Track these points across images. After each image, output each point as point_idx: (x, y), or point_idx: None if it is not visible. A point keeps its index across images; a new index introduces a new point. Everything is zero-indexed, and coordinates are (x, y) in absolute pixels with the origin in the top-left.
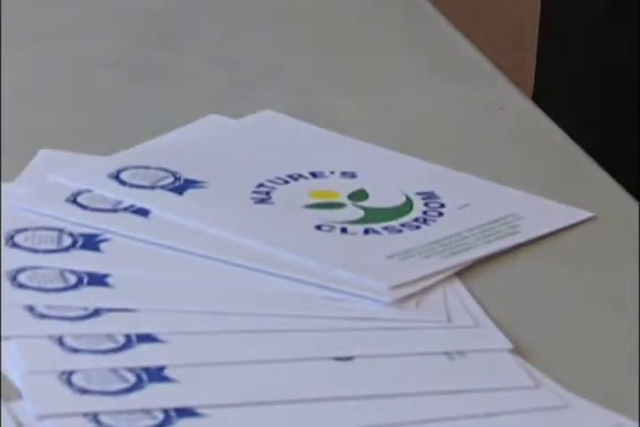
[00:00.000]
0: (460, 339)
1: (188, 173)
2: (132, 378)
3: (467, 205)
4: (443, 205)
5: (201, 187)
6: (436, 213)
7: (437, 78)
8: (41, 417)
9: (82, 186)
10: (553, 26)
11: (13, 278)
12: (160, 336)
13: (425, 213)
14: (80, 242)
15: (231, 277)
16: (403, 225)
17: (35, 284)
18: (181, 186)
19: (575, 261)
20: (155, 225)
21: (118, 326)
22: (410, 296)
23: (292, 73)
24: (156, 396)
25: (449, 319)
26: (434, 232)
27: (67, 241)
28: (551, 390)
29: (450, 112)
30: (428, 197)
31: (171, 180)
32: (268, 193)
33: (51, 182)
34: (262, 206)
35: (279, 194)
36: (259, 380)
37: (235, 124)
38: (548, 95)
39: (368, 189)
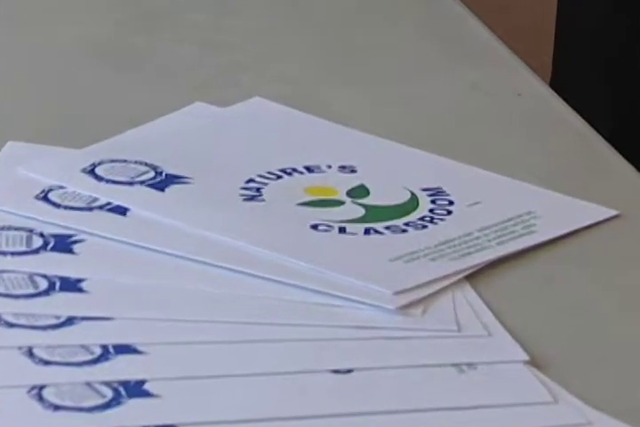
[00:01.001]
0: (470, 350)
1: (170, 168)
2: (109, 393)
3: (478, 202)
4: (451, 203)
5: (185, 182)
6: (444, 212)
7: (447, 64)
8: None
9: (53, 181)
10: (571, 11)
11: None
12: (140, 347)
13: (432, 211)
14: (52, 243)
15: (218, 282)
16: (407, 224)
17: (1, 289)
18: (163, 182)
19: (597, 264)
20: (134, 225)
21: (94, 335)
22: (415, 303)
23: (285, 58)
24: (136, 413)
25: (459, 328)
26: (442, 232)
27: (37, 242)
28: (571, 406)
29: (461, 101)
30: (436, 193)
31: (151, 175)
32: (258, 189)
33: (19, 178)
34: (252, 204)
35: (271, 190)
36: (248, 395)
37: (222, 112)
38: (567, 81)
39: (369, 185)
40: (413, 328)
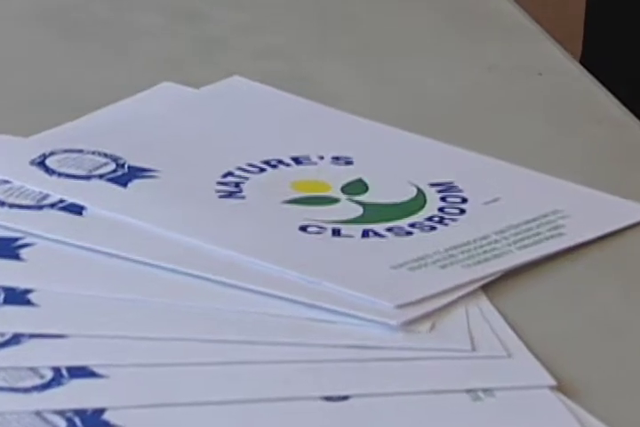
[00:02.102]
0: (487, 373)
1: (133, 159)
2: (62, 424)
3: (496, 199)
4: (465, 200)
5: (151, 176)
6: (455, 210)
7: (460, 37)
8: None
9: None
10: None
11: None
12: (98, 370)
13: (441, 209)
14: None
15: (191, 294)
16: (412, 226)
17: None
18: (125, 175)
19: (633, 273)
20: (91, 226)
21: (44, 356)
22: (422, 318)
23: (269, 30)
24: None
25: (473, 347)
26: (453, 235)
27: None
28: None
29: (475, 81)
30: (446, 189)
31: (112, 167)
32: (237, 185)
33: None
34: (230, 202)
35: (252, 186)
36: (227, 426)
37: (194, 94)
38: (599, 57)
39: (367, 180)
40: (420, 348)
